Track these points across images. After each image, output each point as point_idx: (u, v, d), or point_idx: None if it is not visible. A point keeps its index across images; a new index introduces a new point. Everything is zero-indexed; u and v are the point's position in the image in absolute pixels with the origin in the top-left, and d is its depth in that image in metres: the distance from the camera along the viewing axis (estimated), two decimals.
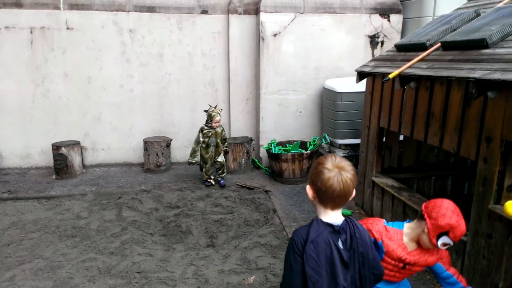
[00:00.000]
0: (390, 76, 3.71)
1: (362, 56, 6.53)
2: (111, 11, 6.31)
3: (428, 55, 3.76)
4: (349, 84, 5.68)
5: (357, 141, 5.63)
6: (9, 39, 6.16)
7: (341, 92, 5.74)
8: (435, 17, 5.47)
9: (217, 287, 3.38)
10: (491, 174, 2.85)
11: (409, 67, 3.73)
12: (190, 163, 5.67)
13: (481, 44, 3.20)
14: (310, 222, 1.74)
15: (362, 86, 4.94)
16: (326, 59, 6.52)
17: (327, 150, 6.24)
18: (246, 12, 6.55)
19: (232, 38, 6.59)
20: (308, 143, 6.32)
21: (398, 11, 6.55)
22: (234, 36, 6.59)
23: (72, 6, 6.21)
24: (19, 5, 6.09)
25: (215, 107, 5.56)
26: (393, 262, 2.23)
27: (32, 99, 6.40)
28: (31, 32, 6.20)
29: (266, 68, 6.41)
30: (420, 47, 3.94)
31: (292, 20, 6.31)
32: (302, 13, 6.32)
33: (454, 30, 3.84)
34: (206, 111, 5.60)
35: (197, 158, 5.67)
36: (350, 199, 1.72)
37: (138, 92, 6.65)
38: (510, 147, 2.78)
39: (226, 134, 5.93)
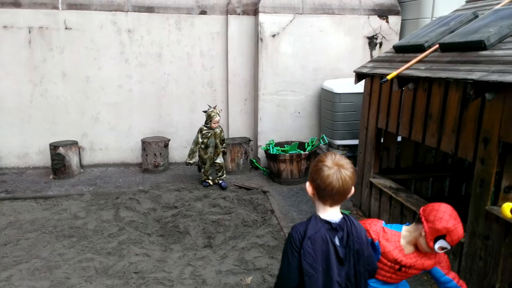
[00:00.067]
0: (388, 77, 3.72)
1: (361, 57, 6.54)
2: (110, 11, 6.31)
3: (426, 56, 3.77)
4: (348, 85, 5.68)
5: (355, 142, 5.63)
6: (7, 39, 6.14)
7: (340, 93, 5.75)
8: (434, 19, 5.49)
9: (215, 287, 3.38)
10: (489, 175, 2.85)
11: (407, 68, 3.73)
12: (188, 164, 5.64)
13: (479, 45, 3.21)
14: (308, 218, 1.77)
15: (360, 87, 4.95)
16: (324, 60, 6.52)
17: (325, 151, 6.25)
18: (245, 12, 6.55)
19: (230, 39, 6.59)
20: (306, 144, 6.32)
21: (396, 13, 6.57)
22: (232, 36, 6.59)
23: (71, 6, 6.21)
24: (17, 5, 6.08)
25: (214, 108, 5.54)
26: (389, 263, 2.23)
27: (30, 99, 6.39)
28: (30, 31, 6.19)
29: (264, 69, 6.41)
30: (419, 48, 3.94)
31: (291, 21, 6.32)
32: (301, 14, 6.33)
33: (452, 31, 3.85)
34: (205, 111, 5.58)
35: (195, 159, 5.65)
36: (349, 196, 1.75)
37: (137, 92, 6.64)
38: (507, 149, 2.79)
39: (224, 135, 5.91)
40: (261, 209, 4.89)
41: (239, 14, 6.54)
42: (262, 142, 6.62)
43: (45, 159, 6.56)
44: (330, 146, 6.11)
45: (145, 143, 6.36)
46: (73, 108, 6.53)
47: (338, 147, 5.96)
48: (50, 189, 5.63)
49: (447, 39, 3.70)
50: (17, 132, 6.47)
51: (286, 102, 6.59)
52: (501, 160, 2.81)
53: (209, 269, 3.64)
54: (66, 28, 6.26)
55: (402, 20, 6.62)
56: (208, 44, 6.65)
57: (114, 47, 6.43)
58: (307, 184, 1.78)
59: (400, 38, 6.54)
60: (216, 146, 5.64)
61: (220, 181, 5.72)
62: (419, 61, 3.75)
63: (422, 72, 3.51)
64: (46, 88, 6.39)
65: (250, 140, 6.60)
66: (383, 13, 6.54)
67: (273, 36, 6.32)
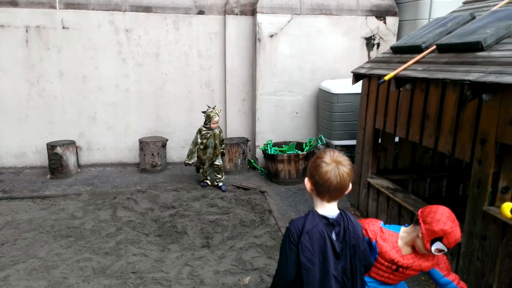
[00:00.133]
0: (386, 78, 3.73)
1: (358, 58, 6.56)
2: (107, 10, 6.30)
3: (423, 57, 3.78)
4: (345, 86, 5.70)
5: (352, 142, 5.64)
6: (4, 38, 6.12)
7: (337, 94, 5.76)
8: (431, 20, 5.51)
9: (212, 287, 3.38)
10: (486, 176, 2.87)
11: (405, 69, 3.75)
12: (186, 164, 5.60)
13: (476, 46, 3.23)
14: (306, 213, 1.82)
15: (358, 87, 4.96)
16: (322, 61, 6.54)
17: None
18: (242, 13, 6.56)
19: (228, 39, 6.60)
20: (304, 144, 6.33)
21: (394, 14, 6.59)
22: (230, 36, 6.59)
23: (68, 5, 6.19)
24: (14, 4, 6.06)
25: (213, 108, 5.52)
26: (386, 263, 2.24)
27: (27, 98, 6.37)
28: (27, 31, 6.17)
29: (262, 69, 6.41)
30: (416, 49, 3.96)
31: (289, 22, 6.33)
32: (299, 15, 6.34)
33: (450, 32, 3.87)
34: (204, 112, 5.54)
35: (194, 160, 5.61)
36: (346, 192, 1.79)
37: (134, 92, 6.63)
38: (504, 149, 2.80)
39: (223, 135, 5.87)
40: (259, 209, 4.89)
41: (237, 14, 6.55)
42: (260, 142, 6.63)
43: (42, 159, 6.54)
44: (328, 146, 6.12)
45: (142, 143, 6.35)
46: (70, 107, 6.51)
47: (336, 147, 5.97)
48: (47, 189, 5.61)
49: (445, 40, 3.72)
50: (14, 132, 6.45)
51: (284, 103, 6.60)
52: (498, 160, 2.83)
53: (207, 269, 3.64)
54: (63, 28, 6.25)
55: (399, 21, 6.64)
56: (206, 44, 6.65)
57: (112, 46, 6.42)
58: (306, 179, 1.82)
59: (397, 39, 6.56)
60: (215, 147, 5.60)
61: (221, 184, 5.66)
62: (417, 62, 3.77)
63: (419, 73, 3.53)
64: (43, 87, 6.38)
65: (248, 140, 6.60)
66: (380, 14, 6.56)
67: (271, 36, 6.33)
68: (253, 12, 6.48)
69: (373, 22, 6.56)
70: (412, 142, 4.64)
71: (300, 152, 5.99)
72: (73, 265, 3.67)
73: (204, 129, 5.51)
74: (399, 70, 3.75)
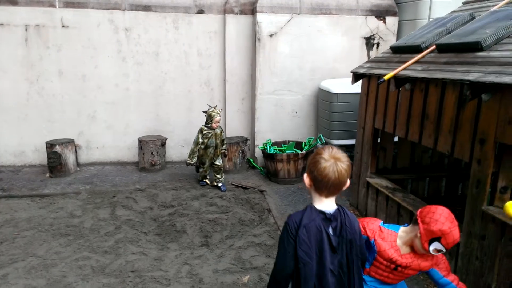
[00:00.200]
0: (385, 77, 3.73)
1: (358, 58, 6.56)
2: (107, 9, 6.29)
3: (423, 57, 3.79)
4: (345, 85, 5.70)
5: (352, 142, 5.65)
6: (3, 37, 6.12)
7: (337, 93, 5.76)
8: (431, 20, 5.51)
9: (211, 286, 3.38)
10: (485, 175, 2.87)
11: (404, 69, 3.75)
12: (188, 164, 5.55)
13: (475, 47, 3.23)
14: (304, 208, 1.87)
15: (357, 87, 4.96)
16: (322, 60, 6.54)
17: None
18: (242, 12, 6.56)
19: (228, 38, 6.60)
20: (303, 144, 6.34)
21: (394, 13, 6.59)
22: (230, 36, 6.59)
23: (68, 4, 6.19)
24: (14, 2, 6.05)
25: (214, 107, 5.49)
26: (384, 262, 2.24)
27: (26, 97, 6.36)
28: (26, 29, 6.16)
29: (262, 68, 6.41)
30: (416, 49, 3.96)
31: (288, 21, 6.32)
32: (298, 14, 6.34)
33: (449, 32, 3.87)
34: (205, 111, 5.51)
35: (196, 159, 5.56)
36: (344, 188, 1.84)
37: (134, 91, 6.63)
38: (503, 149, 2.80)
39: (224, 135, 5.83)
40: (258, 208, 4.90)
41: (237, 14, 6.55)
42: (259, 141, 6.63)
43: (41, 157, 6.54)
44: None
45: (142, 142, 6.35)
46: (69, 106, 6.51)
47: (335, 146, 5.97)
48: (46, 187, 5.61)
49: (444, 40, 3.72)
50: (13, 130, 6.44)
51: (284, 102, 6.60)
52: (497, 160, 2.83)
53: (206, 268, 3.64)
54: (63, 26, 6.24)
55: (399, 21, 6.64)
56: (206, 43, 6.65)
57: (111, 45, 6.42)
58: (305, 175, 1.86)
59: (397, 39, 6.57)
60: (216, 147, 5.57)
61: (220, 184, 5.64)
62: (416, 62, 3.77)
63: (419, 72, 3.53)
64: (42, 86, 6.37)
65: (247, 140, 6.60)
66: (380, 13, 6.56)
67: (271, 35, 6.33)
68: (252, 12, 6.48)
69: (372, 21, 6.56)
70: (412, 142, 4.64)
71: (299, 152, 5.99)
72: (72, 263, 3.67)
73: (205, 128, 5.48)
74: (399, 70, 3.75)
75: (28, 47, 6.22)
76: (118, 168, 6.60)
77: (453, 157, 3.32)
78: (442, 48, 3.66)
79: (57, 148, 6.00)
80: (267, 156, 6.00)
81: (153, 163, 6.40)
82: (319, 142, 6.12)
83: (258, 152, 6.65)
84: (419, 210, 2.20)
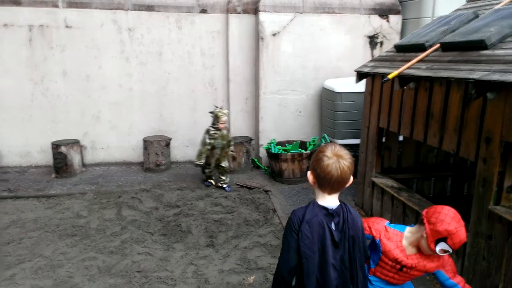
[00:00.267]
0: (390, 76, 3.73)
1: (361, 57, 6.55)
2: (110, 9, 6.30)
3: (427, 55, 3.77)
4: (349, 84, 5.69)
5: (356, 141, 5.64)
6: (7, 37, 6.14)
7: (341, 92, 5.76)
8: (434, 18, 5.49)
9: (217, 286, 3.39)
10: (491, 175, 2.86)
11: (409, 67, 3.74)
12: (196, 165, 5.55)
13: (480, 45, 3.22)
14: (307, 204, 1.92)
15: (361, 86, 4.96)
16: (325, 59, 6.53)
17: None
18: (245, 11, 6.55)
19: (231, 38, 6.60)
20: (307, 143, 6.33)
21: (397, 12, 6.57)
22: (233, 35, 6.59)
23: (71, 4, 6.20)
24: (17, 3, 6.07)
25: (221, 108, 5.47)
26: (390, 262, 2.24)
27: (31, 98, 6.39)
28: (30, 30, 6.19)
29: (265, 68, 6.41)
30: (420, 47, 3.95)
31: (291, 20, 6.32)
32: (301, 13, 6.33)
33: (453, 31, 3.86)
34: (211, 112, 5.50)
35: (204, 160, 5.53)
36: (347, 185, 1.87)
37: (138, 91, 6.65)
38: (509, 148, 2.79)
39: (230, 136, 5.78)
40: (263, 208, 4.90)
41: (240, 13, 6.54)
42: (264, 141, 6.63)
43: (47, 158, 6.56)
44: None
45: (146, 142, 6.37)
46: (74, 107, 6.53)
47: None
48: (52, 188, 5.64)
49: (448, 38, 3.71)
50: (19, 131, 6.47)
51: (287, 101, 6.60)
52: (503, 159, 2.82)
53: (212, 268, 3.65)
54: (66, 27, 6.26)
55: (403, 19, 6.62)
56: (209, 43, 6.66)
57: (115, 45, 6.43)
58: (309, 173, 1.91)
59: (401, 38, 6.55)
60: (223, 148, 5.55)
61: (225, 186, 5.62)
62: (420, 61, 3.76)
63: (423, 71, 3.52)
64: (47, 87, 6.40)
65: (251, 139, 6.61)
66: (383, 12, 6.54)
67: (274, 35, 6.33)
68: (255, 11, 6.48)
69: (376, 20, 6.54)
70: (416, 141, 4.63)
71: (303, 151, 5.99)
72: (79, 264, 3.69)
73: (212, 129, 5.47)
74: (403, 68, 3.74)
75: (32, 47, 6.25)
76: (123, 169, 6.62)
77: (459, 156, 3.31)
78: (446, 47, 3.65)
79: (63, 149, 6.03)
80: (272, 156, 6.00)
81: (158, 163, 6.41)
82: (324, 142, 6.11)
83: (262, 152, 6.66)
84: (425, 210, 2.19)
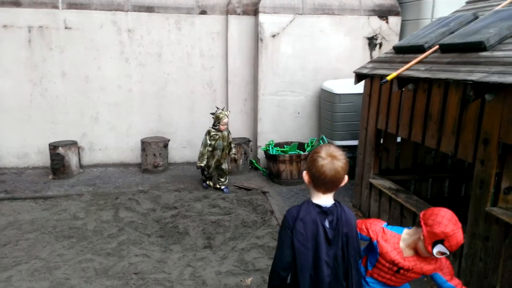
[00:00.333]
0: (388, 78, 3.72)
1: (361, 58, 6.54)
2: (110, 10, 6.30)
3: (426, 57, 3.77)
4: (347, 86, 5.68)
5: (355, 142, 5.63)
6: (7, 38, 6.14)
7: (339, 94, 5.75)
8: (434, 20, 5.49)
9: None
10: (488, 176, 2.85)
11: (407, 69, 3.73)
12: (199, 167, 5.52)
13: (479, 46, 3.22)
14: (302, 202, 1.99)
15: (360, 87, 4.95)
16: (324, 61, 6.53)
17: None
18: (245, 12, 6.55)
19: (230, 39, 6.59)
20: (306, 145, 6.32)
21: (396, 13, 6.57)
22: (232, 36, 6.59)
23: (71, 6, 6.20)
24: (17, 4, 6.07)
25: (222, 109, 5.44)
26: (387, 264, 2.23)
27: (29, 99, 6.38)
28: (29, 31, 6.18)
29: (264, 69, 6.41)
30: (418, 49, 3.94)
31: (291, 21, 6.32)
32: (301, 14, 6.33)
33: (452, 32, 3.85)
34: (213, 113, 5.47)
35: (206, 161, 5.48)
36: (341, 185, 1.93)
37: (136, 92, 6.64)
38: (507, 150, 2.79)
39: (231, 137, 5.73)
40: (261, 210, 4.89)
41: (239, 14, 6.54)
42: (262, 142, 6.62)
43: (44, 159, 6.55)
44: None
45: (144, 143, 6.36)
46: (72, 108, 6.52)
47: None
48: (49, 189, 5.62)
49: (447, 40, 3.70)
50: (17, 132, 6.46)
51: (286, 103, 6.59)
52: (500, 161, 2.82)
53: (209, 270, 3.64)
54: (66, 28, 6.26)
55: (402, 20, 6.62)
56: (208, 44, 6.65)
57: (114, 47, 6.43)
58: (304, 173, 1.96)
59: (400, 39, 6.54)
60: (223, 149, 5.54)
61: (223, 187, 5.60)
62: (419, 62, 3.75)
63: (422, 73, 3.52)
64: (45, 87, 6.39)
65: (249, 141, 6.59)
66: (383, 13, 6.54)
67: (273, 36, 6.32)
68: (255, 12, 6.47)
69: (375, 22, 6.54)
70: (414, 143, 4.62)
71: (302, 153, 5.98)
72: (75, 266, 3.67)
73: (213, 130, 5.44)
74: (402, 70, 3.74)
75: (31, 48, 6.24)
76: (121, 170, 6.61)
77: (456, 158, 3.30)
78: (445, 48, 3.64)
79: (60, 150, 6.01)
80: (270, 157, 5.99)
81: (156, 164, 6.40)
82: (322, 143, 6.10)
83: (260, 153, 6.65)
84: (422, 212, 2.18)
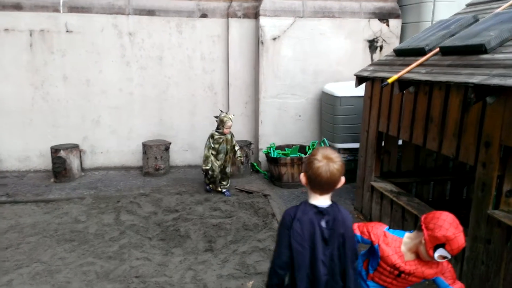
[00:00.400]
0: (389, 80, 3.72)
1: (361, 61, 6.54)
2: (111, 14, 6.32)
3: (427, 60, 3.77)
4: (348, 89, 5.68)
5: (356, 145, 5.63)
6: (8, 42, 6.16)
7: (340, 97, 5.75)
8: (434, 22, 5.50)
9: None
10: (490, 179, 2.85)
11: (408, 71, 3.74)
12: (204, 170, 5.48)
13: (479, 49, 3.21)
14: (300, 203, 2.05)
15: (361, 90, 4.95)
16: (325, 63, 6.53)
17: None
18: (245, 16, 6.56)
19: (231, 42, 6.60)
20: (307, 147, 6.32)
21: (397, 16, 6.57)
22: (233, 39, 6.60)
23: (72, 9, 6.22)
24: (19, 8, 6.09)
25: (226, 113, 5.42)
26: (388, 268, 2.23)
27: (31, 102, 6.40)
28: (31, 34, 6.20)
29: (265, 72, 6.41)
30: (419, 52, 3.94)
31: (292, 24, 6.33)
32: (302, 17, 6.34)
33: (453, 35, 3.85)
34: (216, 117, 5.46)
35: (210, 164, 5.46)
36: (338, 186, 1.98)
37: (138, 95, 6.65)
38: (508, 152, 2.78)
39: (235, 140, 5.70)
40: (262, 213, 4.88)
41: (240, 17, 6.56)
42: (263, 145, 6.62)
43: (46, 163, 6.56)
44: None
45: (146, 146, 6.36)
46: (74, 111, 6.53)
47: (339, 150, 5.96)
48: (51, 193, 5.62)
49: (448, 42, 3.70)
50: (18, 135, 6.47)
51: (287, 105, 6.60)
52: (502, 163, 2.81)
53: (210, 273, 3.63)
54: (67, 31, 6.28)
55: (402, 23, 6.63)
56: (209, 47, 6.66)
57: (115, 50, 6.44)
58: (302, 175, 2.02)
59: (400, 42, 6.55)
60: (227, 153, 5.52)
61: (224, 190, 5.60)
62: (420, 65, 3.75)
63: (422, 75, 3.52)
64: (47, 91, 6.40)
65: (251, 143, 6.60)
66: (383, 16, 6.55)
67: (274, 39, 6.33)
68: (256, 15, 6.49)
69: (376, 24, 6.55)
70: (416, 145, 4.62)
71: (303, 155, 5.97)
72: (77, 269, 3.67)
73: (216, 134, 5.42)
74: (402, 73, 3.74)
75: (32, 52, 6.26)
76: (122, 173, 6.61)
77: (458, 161, 3.30)
78: (446, 51, 3.64)
79: (62, 153, 6.02)
80: (271, 160, 5.99)
81: (157, 167, 6.40)
82: (323, 146, 6.10)
83: (261, 156, 6.65)
84: (423, 216, 2.18)
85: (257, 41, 6.45)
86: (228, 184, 5.68)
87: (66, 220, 4.70)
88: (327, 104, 6.14)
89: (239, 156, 5.67)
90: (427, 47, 3.88)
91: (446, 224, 2.04)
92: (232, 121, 5.43)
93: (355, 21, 6.49)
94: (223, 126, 5.36)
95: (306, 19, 6.35)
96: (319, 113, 6.68)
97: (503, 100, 2.70)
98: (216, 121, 5.46)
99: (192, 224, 4.52)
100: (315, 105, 6.66)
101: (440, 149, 3.40)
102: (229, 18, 6.53)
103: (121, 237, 4.28)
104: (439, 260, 2.08)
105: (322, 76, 6.54)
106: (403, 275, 2.20)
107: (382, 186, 4.42)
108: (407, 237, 2.25)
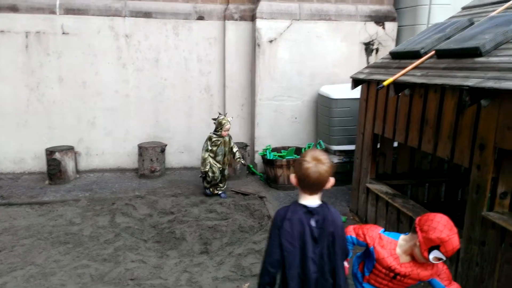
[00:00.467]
0: (385, 83, 3.73)
1: (357, 63, 6.57)
2: (107, 16, 6.31)
3: (422, 62, 3.79)
4: (344, 91, 5.70)
5: (352, 147, 5.64)
6: (4, 44, 6.13)
7: (336, 99, 5.76)
8: (430, 25, 5.52)
9: None
10: (484, 181, 2.86)
11: (404, 74, 3.75)
12: (203, 173, 5.42)
13: (474, 52, 3.23)
14: (290, 204, 2.12)
15: (357, 92, 4.96)
16: (321, 66, 6.55)
17: None
18: (242, 18, 6.57)
19: (228, 44, 6.61)
20: (303, 149, 6.32)
21: (393, 19, 6.60)
22: (230, 42, 6.61)
23: (68, 11, 6.21)
24: (14, 9, 6.07)
25: (225, 115, 5.40)
26: (383, 270, 2.23)
27: (26, 104, 6.37)
28: (27, 36, 6.18)
29: (261, 74, 6.42)
30: (415, 54, 3.96)
31: (288, 27, 6.34)
32: (298, 20, 6.35)
33: (448, 38, 3.88)
34: (214, 119, 5.43)
35: (209, 166, 5.43)
36: (326, 187, 2.04)
37: (134, 97, 6.64)
38: (503, 155, 2.80)
39: (233, 142, 5.66)
40: (258, 215, 4.88)
41: (237, 20, 6.56)
42: (259, 147, 6.62)
43: (41, 164, 6.53)
44: (327, 151, 6.11)
45: (141, 148, 6.35)
46: (69, 113, 6.51)
47: (335, 152, 5.97)
48: (45, 195, 5.60)
49: (443, 45, 3.72)
50: (13, 137, 6.44)
51: (283, 108, 6.60)
52: (496, 166, 2.82)
53: (206, 276, 3.62)
54: (63, 33, 6.26)
55: (398, 26, 6.66)
56: (206, 50, 6.66)
57: (111, 52, 6.43)
58: (292, 175, 2.08)
59: (396, 44, 6.57)
60: (225, 155, 5.50)
61: (220, 192, 5.58)
62: (415, 68, 3.77)
63: (418, 78, 3.53)
64: (42, 93, 6.38)
65: (247, 146, 6.59)
66: (379, 19, 6.57)
67: (270, 41, 6.34)
68: (252, 18, 6.50)
69: (372, 27, 6.57)
70: (411, 147, 4.63)
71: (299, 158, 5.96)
72: (71, 272, 3.65)
73: (214, 136, 5.39)
74: (398, 75, 3.75)
75: (28, 53, 6.24)
76: (118, 175, 6.59)
77: (453, 163, 3.31)
78: (441, 54, 3.66)
79: (57, 155, 6.00)
80: (267, 162, 5.99)
81: (153, 169, 6.39)
82: (319, 148, 6.11)
83: (257, 158, 6.64)
84: (418, 218, 2.18)
85: (254, 44, 6.46)
86: (225, 186, 5.65)
87: (61, 222, 4.68)
88: (323, 106, 6.15)
89: (239, 158, 5.64)
90: (422, 50, 3.90)
91: (441, 226, 2.05)
92: (230, 124, 5.41)
93: (351, 24, 6.51)
94: (221, 129, 5.34)
95: (302, 22, 6.37)
96: (315, 115, 6.69)
97: (498, 103, 2.72)
98: (214, 123, 5.45)
99: (188, 226, 4.50)
100: (311, 107, 6.67)
101: (435, 151, 3.42)
102: (226, 21, 6.54)
103: (116, 240, 4.27)
104: (434, 262, 2.09)
105: (318, 78, 6.56)
106: (398, 277, 2.21)
107: (378, 188, 4.43)
108: (402, 239, 2.25)
